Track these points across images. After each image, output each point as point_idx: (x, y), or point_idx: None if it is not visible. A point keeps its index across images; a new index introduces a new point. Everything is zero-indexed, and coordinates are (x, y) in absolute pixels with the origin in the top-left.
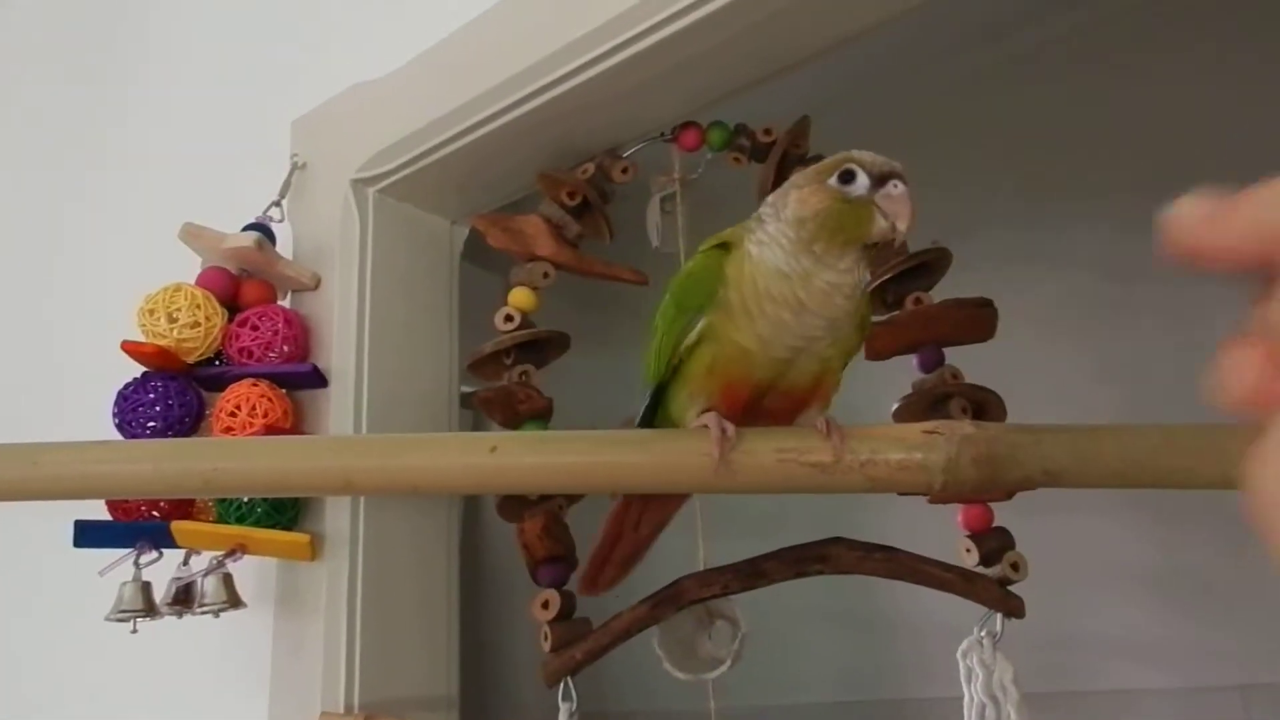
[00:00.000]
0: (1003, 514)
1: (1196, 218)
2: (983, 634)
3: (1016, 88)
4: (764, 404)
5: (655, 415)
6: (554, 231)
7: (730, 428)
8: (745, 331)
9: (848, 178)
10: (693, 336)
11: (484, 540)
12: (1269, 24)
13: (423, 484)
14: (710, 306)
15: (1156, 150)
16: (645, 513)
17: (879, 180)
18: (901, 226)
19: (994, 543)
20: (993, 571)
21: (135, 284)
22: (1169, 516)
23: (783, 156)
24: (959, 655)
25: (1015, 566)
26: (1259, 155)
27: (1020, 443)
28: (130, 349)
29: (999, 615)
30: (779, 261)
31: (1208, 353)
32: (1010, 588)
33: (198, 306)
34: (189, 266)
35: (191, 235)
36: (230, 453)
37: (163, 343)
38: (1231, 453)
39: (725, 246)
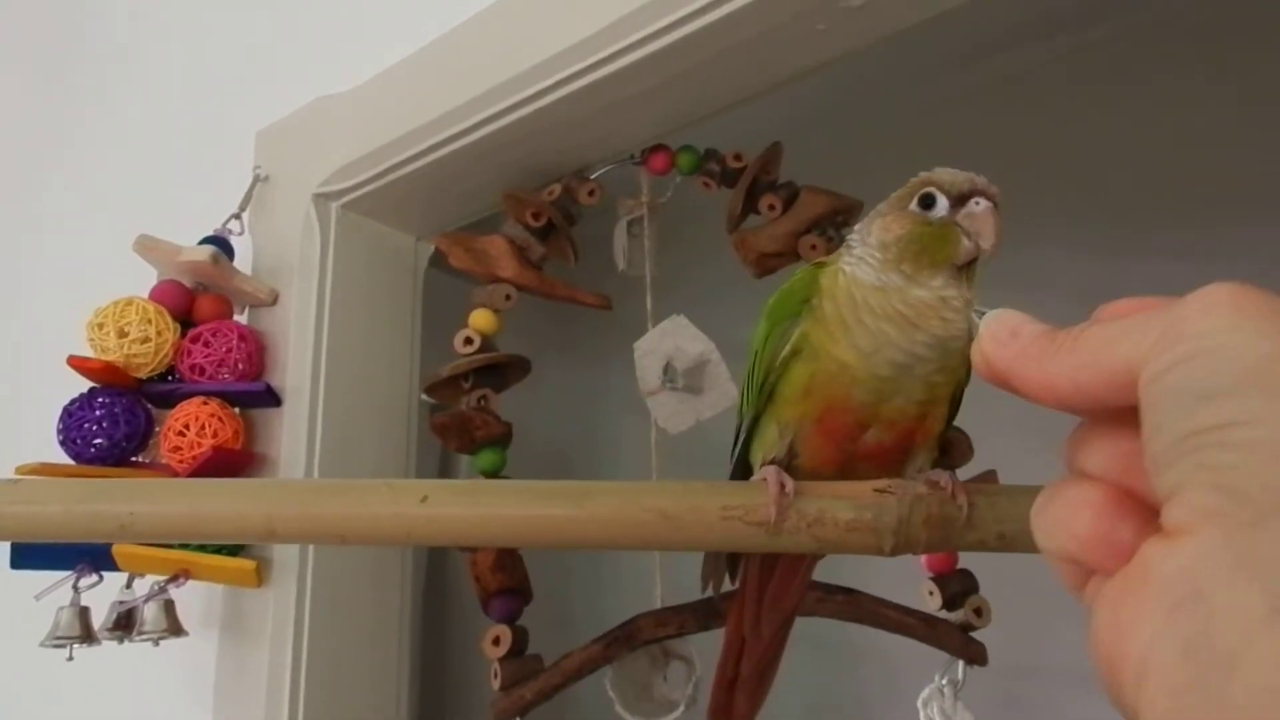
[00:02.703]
0: None
1: (1011, 349)
2: (944, 682)
3: (994, 114)
4: (864, 442)
5: (748, 455)
6: (517, 253)
7: (790, 482)
8: (842, 343)
9: (927, 202)
10: (787, 349)
11: (451, 567)
12: (1253, 55)
13: (349, 534)
14: (805, 316)
15: (1135, 178)
16: (764, 607)
17: (959, 200)
18: (985, 245)
19: (957, 586)
20: (955, 616)
21: (89, 297)
22: None
23: (753, 182)
24: (919, 704)
25: (979, 612)
26: (1239, 183)
27: (974, 504)
28: (77, 364)
29: (961, 663)
30: (871, 277)
31: None
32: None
33: (149, 321)
34: (145, 280)
35: (146, 247)
36: (148, 496)
37: (111, 358)
38: None
39: (819, 266)
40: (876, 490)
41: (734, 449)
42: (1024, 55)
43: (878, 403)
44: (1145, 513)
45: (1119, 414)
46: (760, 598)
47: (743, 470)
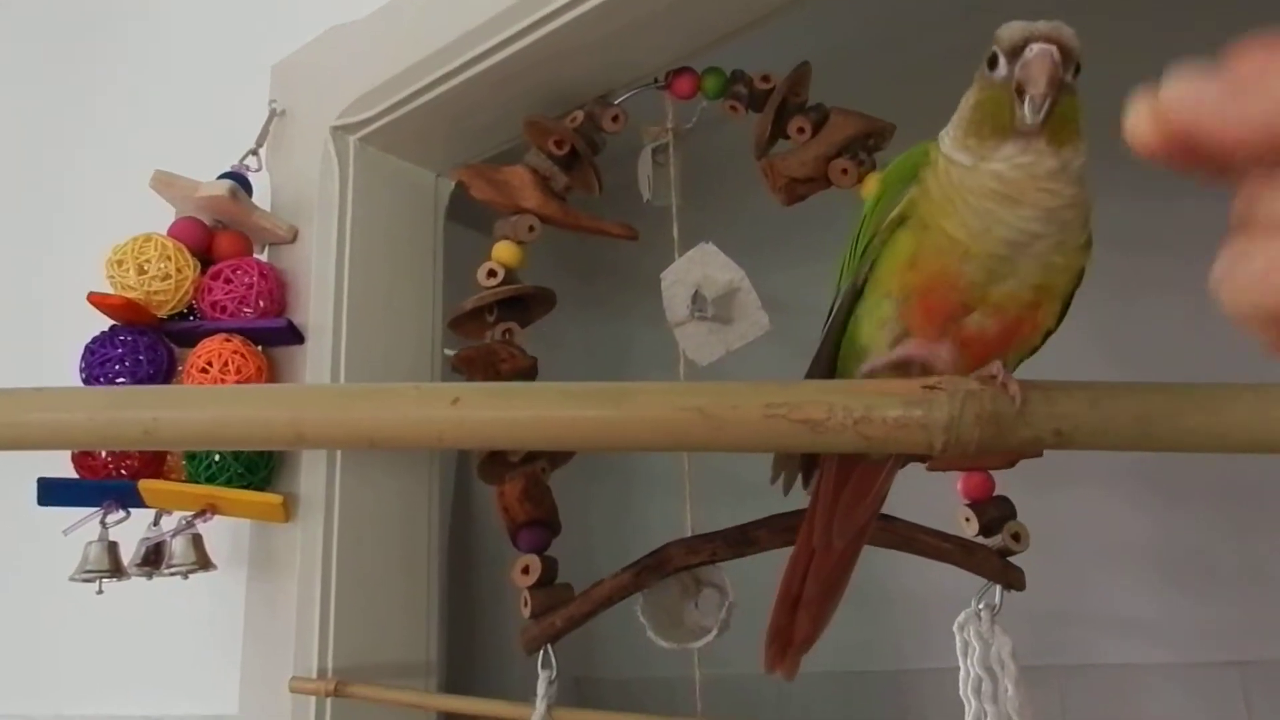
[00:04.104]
0: (1003, 485)
1: (1202, 100)
2: (981, 606)
3: None
4: (967, 325)
5: (841, 340)
6: (540, 183)
7: (944, 350)
8: (952, 219)
9: (992, 62)
10: (896, 212)
11: (477, 501)
12: None
13: (379, 437)
14: (916, 185)
15: None
16: (837, 517)
17: (1014, 53)
18: (1032, 91)
19: (995, 512)
20: (993, 542)
21: (108, 234)
22: (1172, 492)
23: (781, 105)
24: (955, 628)
25: (1016, 537)
26: None
27: (1029, 399)
28: (97, 301)
29: (998, 587)
30: (951, 152)
31: (1218, 327)
32: (1011, 559)
33: (168, 258)
34: (164, 218)
35: (163, 184)
36: (172, 401)
37: (131, 295)
38: (1257, 412)
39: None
40: (926, 387)
41: (826, 323)
42: None
43: (988, 283)
44: None
45: None
46: (834, 506)
47: (832, 348)
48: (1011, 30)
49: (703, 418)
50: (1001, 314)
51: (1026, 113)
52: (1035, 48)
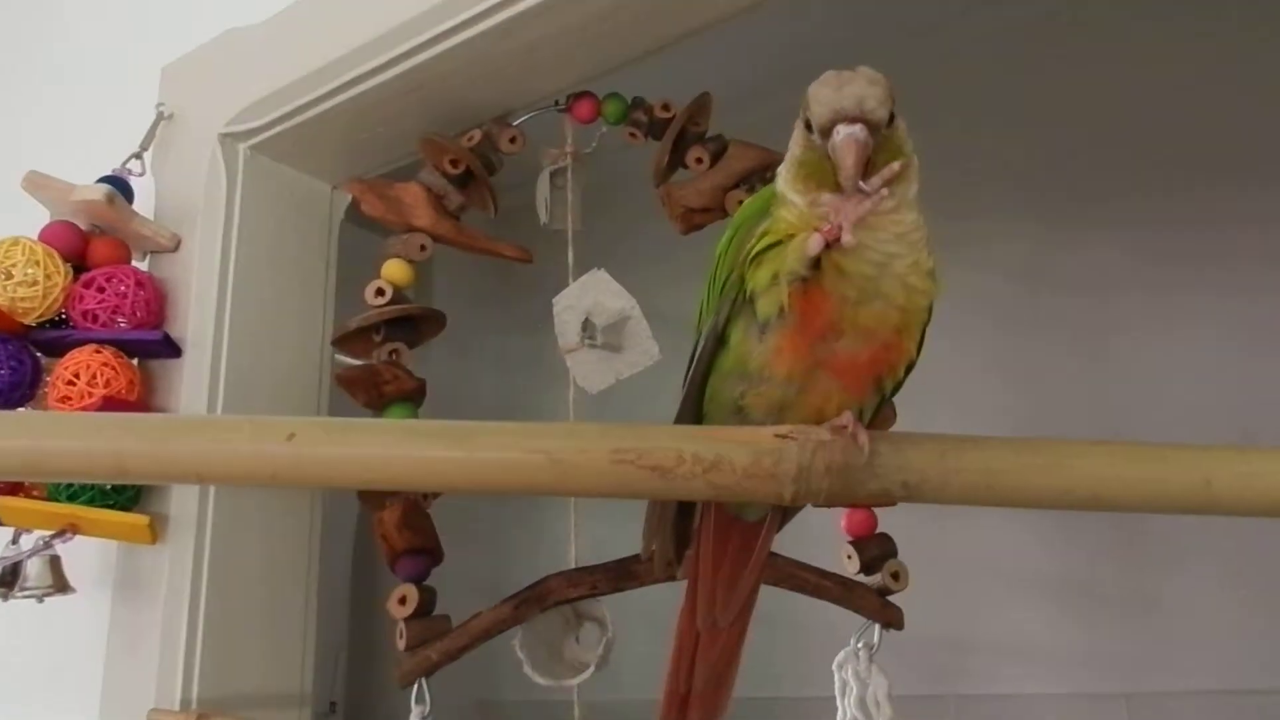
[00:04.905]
0: (897, 514)
1: None
2: (859, 645)
3: (937, 91)
4: (840, 351)
5: (703, 387)
6: (434, 201)
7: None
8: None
9: (809, 125)
10: (760, 242)
11: None
12: (1198, 32)
13: (208, 473)
14: (768, 219)
15: (1075, 162)
16: (719, 587)
17: (824, 133)
18: (842, 182)
19: (876, 550)
20: (873, 580)
21: None
22: (1062, 524)
23: (680, 134)
24: (834, 667)
25: (896, 576)
26: (1184, 171)
27: (878, 451)
28: None
29: (877, 626)
30: (789, 194)
31: (1112, 366)
32: (896, 595)
33: (36, 263)
34: (39, 221)
35: (36, 185)
36: None
37: None
38: (1098, 469)
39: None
40: (778, 435)
41: (689, 370)
42: (965, 28)
43: (860, 300)
44: None
45: None
46: (715, 579)
47: (698, 393)
48: (820, 108)
49: (549, 461)
50: (870, 338)
51: (846, 184)
52: (841, 131)
